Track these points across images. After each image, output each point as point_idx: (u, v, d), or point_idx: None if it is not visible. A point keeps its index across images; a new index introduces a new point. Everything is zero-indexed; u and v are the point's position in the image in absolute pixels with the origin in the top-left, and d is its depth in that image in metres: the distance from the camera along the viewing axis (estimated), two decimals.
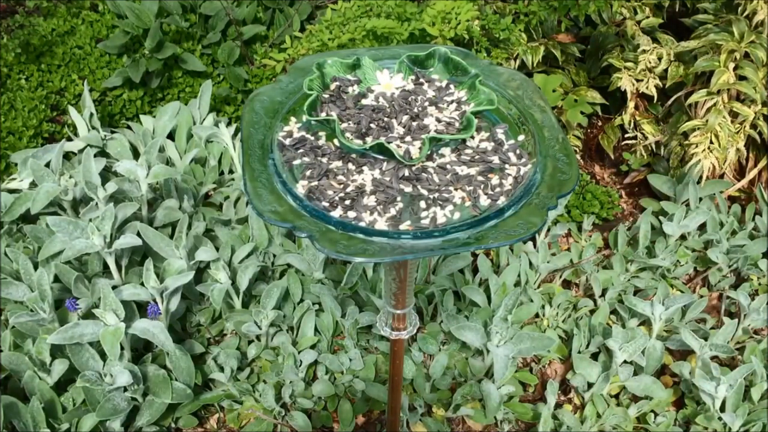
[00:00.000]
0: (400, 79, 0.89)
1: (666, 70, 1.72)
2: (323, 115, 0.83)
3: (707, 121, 1.62)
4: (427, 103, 0.85)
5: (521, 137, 0.82)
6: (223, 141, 1.67)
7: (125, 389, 1.27)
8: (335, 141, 0.81)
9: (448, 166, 0.78)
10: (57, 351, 1.33)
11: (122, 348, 1.29)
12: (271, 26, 1.98)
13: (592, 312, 1.55)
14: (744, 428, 1.35)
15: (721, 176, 1.75)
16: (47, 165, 1.54)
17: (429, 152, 0.80)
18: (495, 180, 0.77)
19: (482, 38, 1.62)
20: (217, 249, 1.52)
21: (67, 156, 1.71)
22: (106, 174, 1.63)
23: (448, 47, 0.90)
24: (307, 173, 0.77)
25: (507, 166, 0.79)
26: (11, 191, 1.56)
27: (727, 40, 1.62)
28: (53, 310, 1.32)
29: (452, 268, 1.53)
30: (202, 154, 1.74)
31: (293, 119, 0.84)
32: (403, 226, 0.72)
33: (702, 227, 1.71)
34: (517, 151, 0.80)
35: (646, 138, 1.76)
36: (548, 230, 1.65)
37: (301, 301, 1.50)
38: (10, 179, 1.59)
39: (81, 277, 1.40)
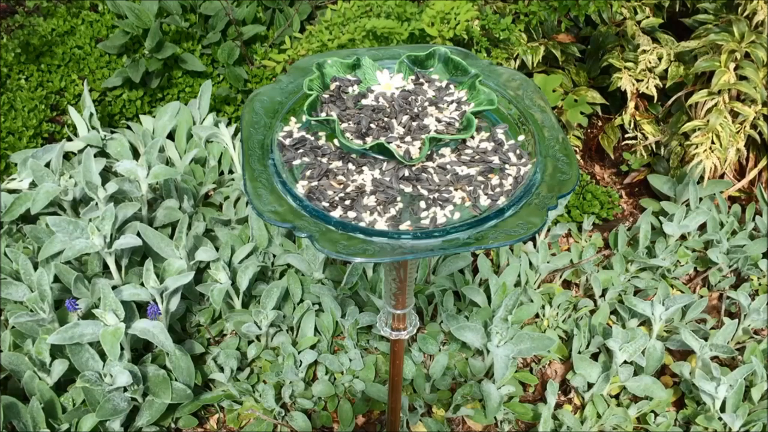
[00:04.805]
0: (400, 79, 0.89)
1: (666, 70, 1.72)
2: (323, 115, 0.83)
3: (708, 121, 1.62)
4: (427, 103, 0.85)
5: (521, 137, 0.82)
6: (223, 141, 1.67)
7: (125, 389, 1.27)
8: (335, 141, 0.81)
9: (448, 166, 0.78)
10: (57, 351, 1.32)
11: (122, 348, 1.29)
12: (271, 26, 1.98)
13: (592, 312, 1.55)
14: (744, 428, 1.35)
15: (722, 176, 1.75)
16: (47, 165, 1.54)
17: (429, 152, 0.79)
18: (495, 180, 0.77)
19: (482, 38, 1.62)
20: (217, 249, 1.52)
21: (67, 156, 1.71)
22: (106, 174, 1.63)
23: (448, 47, 0.90)
24: (307, 173, 0.77)
25: (507, 166, 0.79)
26: (11, 191, 1.56)
27: (727, 40, 1.62)
28: (53, 310, 1.32)
29: (452, 268, 1.53)
30: (202, 154, 1.73)
31: (293, 119, 0.84)
32: (403, 226, 0.72)
33: (702, 227, 1.71)
34: (517, 151, 0.80)
35: (646, 138, 1.76)
36: (548, 230, 1.65)
37: (301, 301, 1.50)
38: (10, 179, 1.59)
39: (81, 277, 1.40)
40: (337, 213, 0.73)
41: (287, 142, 0.81)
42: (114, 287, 1.33)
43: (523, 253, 1.58)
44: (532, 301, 1.53)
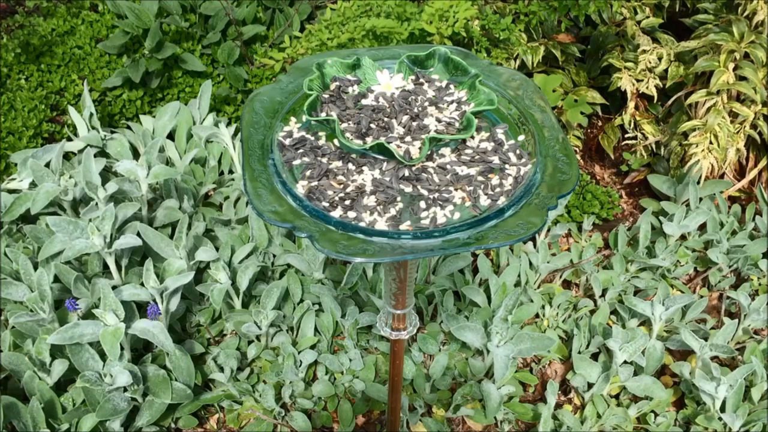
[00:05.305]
0: (400, 79, 0.89)
1: (666, 70, 1.72)
2: (323, 115, 0.83)
3: (706, 121, 1.62)
4: (427, 103, 0.85)
5: (521, 137, 0.82)
6: (223, 141, 1.67)
7: (125, 389, 1.27)
8: (335, 141, 0.81)
9: (448, 166, 0.78)
10: (57, 351, 1.32)
11: (122, 348, 1.29)
12: (271, 26, 1.98)
13: (592, 312, 1.55)
14: (744, 428, 1.35)
15: (721, 176, 1.75)
16: (47, 165, 1.54)
17: (429, 152, 0.79)
18: (495, 180, 0.77)
19: (482, 38, 1.62)
20: (217, 249, 1.52)
21: (67, 156, 1.71)
22: (106, 174, 1.63)
23: (448, 47, 0.90)
24: (307, 173, 0.77)
25: (507, 166, 0.79)
26: (11, 191, 1.56)
27: (727, 41, 1.62)
28: (53, 310, 1.32)
29: (452, 268, 1.53)
30: (202, 154, 1.74)
31: (293, 119, 0.84)
32: (403, 226, 0.72)
33: (702, 227, 1.71)
34: (517, 151, 0.80)
35: (646, 138, 1.76)
36: (548, 230, 1.65)
37: (301, 301, 1.50)
38: (10, 179, 1.59)
39: (81, 277, 1.40)
40: (337, 213, 0.73)
41: (287, 142, 0.81)
42: (114, 287, 1.33)
43: (523, 253, 1.58)
44: (532, 301, 1.53)
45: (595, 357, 1.48)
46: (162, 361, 1.37)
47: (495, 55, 1.68)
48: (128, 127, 1.80)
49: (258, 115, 0.84)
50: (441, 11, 1.56)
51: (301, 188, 0.76)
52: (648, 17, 1.84)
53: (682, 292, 1.61)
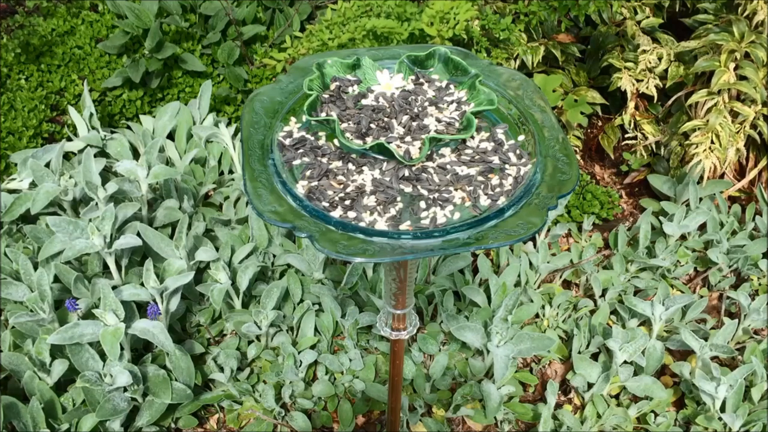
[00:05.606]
0: (400, 79, 0.89)
1: (666, 70, 1.72)
2: (323, 115, 0.83)
3: (708, 121, 1.62)
4: (427, 103, 0.85)
5: (521, 137, 0.82)
6: (223, 141, 1.67)
7: (125, 389, 1.27)
8: (335, 141, 0.81)
9: (448, 166, 0.78)
10: (57, 351, 1.32)
11: (122, 348, 1.29)
12: (271, 26, 1.98)
13: (592, 312, 1.55)
14: (744, 428, 1.35)
15: (722, 176, 1.76)
16: (47, 165, 1.54)
17: (429, 152, 0.79)
18: (495, 180, 0.77)
19: (482, 38, 1.62)
20: (217, 249, 1.52)
21: (67, 156, 1.71)
22: (106, 174, 1.63)
23: (448, 47, 0.90)
24: (307, 173, 0.77)
25: (507, 166, 0.79)
26: (11, 191, 1.56)
27: (727, 40, 1.62)
28: (53, 310, 1.32)
29: (452, 268, 1.53)
30: (202, 154, 1.73)
31: (293, 119, 0.84)
32: (403, 227, 0.72)
33: (702, 227, 1.71)
34: (517, 151, 0.80)
35: (646, 138, 1.76)
36: (548, 230, 1.65)
37: (301, 301, 1.50)
38: (10, 179, 1.59)
39: (81, 278, 1.40)
40: (337, 213, 0.73)
41: (287, 142, 0.81)
42: (114, 287, 1.33)
43: (523, 253, 1.58)
44: (532, 301, 1.53)
45: (595, 357, 1.48)
46: (162, 361, 1.37)
47: (495, 55, 1.68)
48: (128, 127, 1.80)
49: (258, 115, 0.84)
50: (441, 13, 1.56)
51: (301, 188, 0.76)
52: (648, 17, 1.84)
53: (682, 292, 1.61)
